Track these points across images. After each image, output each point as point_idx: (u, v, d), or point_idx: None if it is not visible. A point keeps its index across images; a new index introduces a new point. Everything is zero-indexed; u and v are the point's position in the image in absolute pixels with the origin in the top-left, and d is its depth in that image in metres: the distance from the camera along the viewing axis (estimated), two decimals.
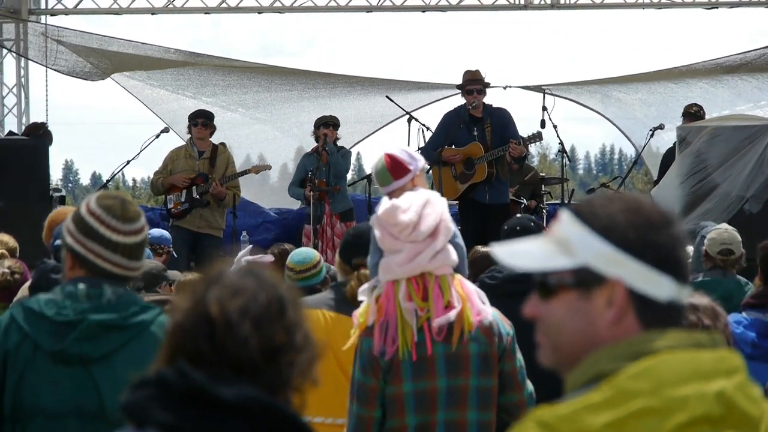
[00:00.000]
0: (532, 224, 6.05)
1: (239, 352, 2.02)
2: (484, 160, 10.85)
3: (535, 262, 1.96)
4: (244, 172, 11.74)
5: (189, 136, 11.70)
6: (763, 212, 9.80)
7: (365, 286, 4.50)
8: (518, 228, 5.90)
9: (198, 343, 2.04)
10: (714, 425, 1.81)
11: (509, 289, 5.68)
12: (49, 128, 12.55)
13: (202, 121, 11.52)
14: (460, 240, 4.42)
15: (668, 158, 11.68)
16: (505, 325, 4.40)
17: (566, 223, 1.97)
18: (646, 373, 1.85)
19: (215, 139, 11.79)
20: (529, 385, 4.54)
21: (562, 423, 1.83)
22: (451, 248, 4.29)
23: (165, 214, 11.81)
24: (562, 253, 1.95)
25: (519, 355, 4.46)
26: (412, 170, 4.62)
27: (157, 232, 8.26)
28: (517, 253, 1.99)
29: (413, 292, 4.22)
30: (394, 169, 4.61)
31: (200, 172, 11.45)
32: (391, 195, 4.54)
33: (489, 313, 4.35)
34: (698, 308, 3.47)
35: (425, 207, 4.24)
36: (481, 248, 7.29)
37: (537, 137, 11.19)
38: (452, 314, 4.23)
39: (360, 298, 4.45)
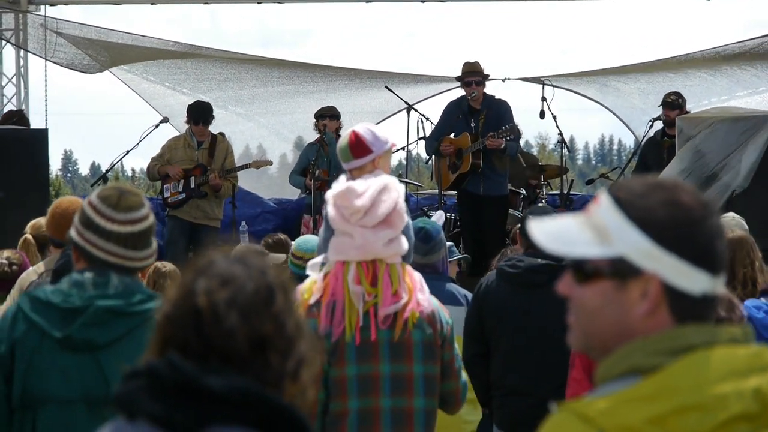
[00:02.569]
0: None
1: (227, 344, 2.02)
2: (469, 150, 10.79)
3: (573, 249, 1.96)
4: (245, 166, 11.71)
5: (187, 126, 11.67)
6: (753, 197, 9.77)
7: (315, 260, 4.47)
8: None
9: (187, 334, 2.03)
10: (751, 422, 1.82)
11: (530, 280, 5.70)
12: (25, 114, 12.49)
13: (203, 120, 11.48)
14: (410, 230, 4.41)
15: (647, 148, 11.58)
16: (445, 315, 4.40)
17: (605, 209, 1.97)
18: (688, 370, 1.85)
19: (213, 130, 11.76)
20: (464, 375, 4.54)
21: (602, 417, 1.83)
22: (403, 238, 4.28)
23: (162, 203, 11.79)
24: (599, 241, 1.95)
25: (456, 345, 4.46)
26: (374, 151, 4.59)
27: None
28: (555, 237, 1.99)
29: (363, 276, 4.22)
30: (356, 147, 4.59)
31: (199, 162, 11.43)
32: (351, 173, 4.57)
33: (431, 302, 4.35)
34: None
35: (381, 193, 4.22)
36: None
37: (509, 131, 10.73)
38: (400, 304, 4.23)
39: (308, 272, 4.43)
